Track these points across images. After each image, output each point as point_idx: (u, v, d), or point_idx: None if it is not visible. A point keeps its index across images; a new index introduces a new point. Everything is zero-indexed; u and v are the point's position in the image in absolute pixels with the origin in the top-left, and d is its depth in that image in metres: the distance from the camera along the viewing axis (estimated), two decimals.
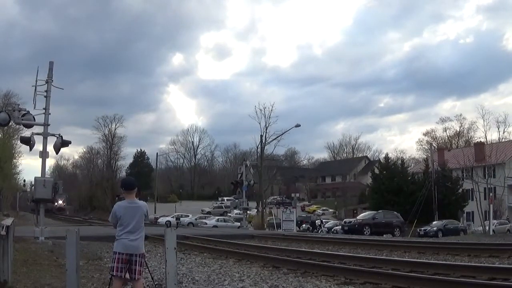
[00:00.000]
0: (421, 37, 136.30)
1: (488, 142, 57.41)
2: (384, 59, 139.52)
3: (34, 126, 16.56)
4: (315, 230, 44.52)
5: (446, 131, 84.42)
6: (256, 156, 58.03)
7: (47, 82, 16.34)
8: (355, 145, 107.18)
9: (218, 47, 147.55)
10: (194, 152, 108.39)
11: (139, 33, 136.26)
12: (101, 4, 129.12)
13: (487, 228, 37.15)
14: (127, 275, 5.66)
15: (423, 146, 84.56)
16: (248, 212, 42.27)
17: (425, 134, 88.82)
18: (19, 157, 52.64)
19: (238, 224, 44.33)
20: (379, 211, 40.01)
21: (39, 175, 16.40)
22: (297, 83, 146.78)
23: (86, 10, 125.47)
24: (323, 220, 51.54)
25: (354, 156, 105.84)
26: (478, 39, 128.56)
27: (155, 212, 55.36)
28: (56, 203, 68.40)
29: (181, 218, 47.93)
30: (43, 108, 16.27)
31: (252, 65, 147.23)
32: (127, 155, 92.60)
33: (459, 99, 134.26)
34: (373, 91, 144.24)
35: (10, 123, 17.16)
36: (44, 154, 16.17)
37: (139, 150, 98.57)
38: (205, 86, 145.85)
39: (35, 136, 16.06)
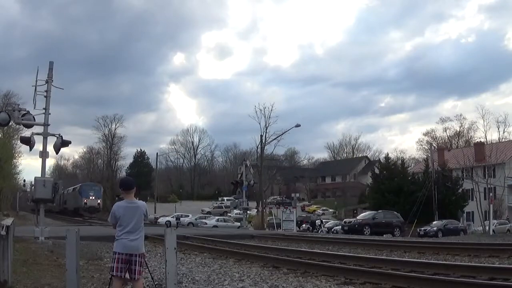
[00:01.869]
0: (423, 36, 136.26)
1: (488, 142, 57.51)
2: (385, 59, 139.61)
3: (34, 126, 16.59)
4: (315, 230, 44.53)
5: (446, 131, 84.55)
6: (256, 156, 58.03)
7: (47, 82, 16.35)
8: (355, 145, 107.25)
9: (219, 46, 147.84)
10: (194, 152, 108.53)
11: (140, 32, 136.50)
12: (102, 3, 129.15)
13: (487, 228, 37.17)
14: (127, 275, 5.66)
15: (423, 146, 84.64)
16: (248, 212, 42.28)
17: (425, 134, 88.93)
18: (19, 157, 52.55)
19: (238, 224, 44.30)
20: (379, 211, 39.98)
21: (39, 175, 16.46)
22: (298, 82, 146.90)
23: (86, 10, 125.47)
24: (323, 220, 51.56)
25: (354, 156, 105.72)
26: (479, 39, 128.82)
27: (155, 212, 55.30)
28: (85, 201, 56.06)
29: (181, 218, 47.88)
30: (43, 108, 16.29)
31: (253, 64, 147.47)
32: (127, 155, 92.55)
33: (460, 99, 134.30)
34: (374, 91, 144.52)
35: (10, 123, 17.18)
36: (44, 154, 16.19)
37: (139, 150, 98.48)
38: (206, 85, 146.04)
39: (35, 136, 16.08)
